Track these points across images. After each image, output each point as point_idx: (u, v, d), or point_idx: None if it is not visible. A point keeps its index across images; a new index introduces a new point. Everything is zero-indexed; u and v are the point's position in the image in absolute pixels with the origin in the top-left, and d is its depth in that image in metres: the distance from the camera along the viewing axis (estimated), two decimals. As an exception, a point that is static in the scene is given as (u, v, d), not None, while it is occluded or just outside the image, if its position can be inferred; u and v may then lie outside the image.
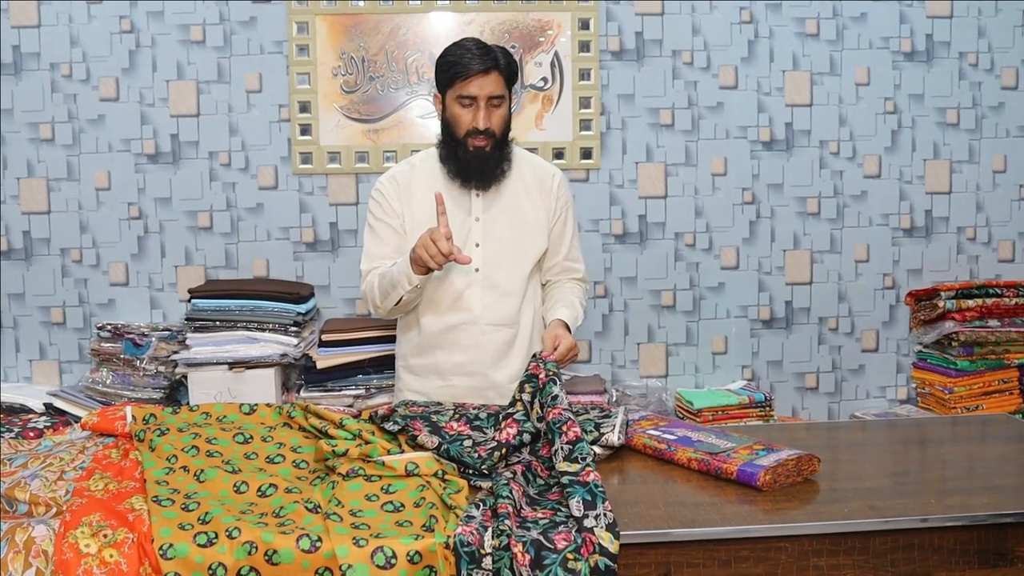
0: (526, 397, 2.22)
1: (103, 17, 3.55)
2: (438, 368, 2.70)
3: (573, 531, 1.74)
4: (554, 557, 1.68)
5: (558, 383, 2.20)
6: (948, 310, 3.61)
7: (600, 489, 1.84)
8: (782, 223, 3.80)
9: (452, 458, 2.06)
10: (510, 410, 2.21)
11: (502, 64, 2.59)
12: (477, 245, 2.66)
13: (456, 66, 2.55)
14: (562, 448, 2.00)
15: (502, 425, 2.16)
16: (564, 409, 2.10)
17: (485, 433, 2.20)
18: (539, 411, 2.17)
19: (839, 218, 3.82)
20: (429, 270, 2.46)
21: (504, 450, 2.09)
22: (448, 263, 2.44)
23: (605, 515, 1.77)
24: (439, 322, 2.69)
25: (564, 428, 2.04)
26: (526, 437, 2.14)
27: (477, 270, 2.66)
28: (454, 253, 2.40)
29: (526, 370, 2.31)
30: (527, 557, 1.68)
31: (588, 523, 1.75)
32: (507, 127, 2.67)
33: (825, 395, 3.89)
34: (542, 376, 2.23)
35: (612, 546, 1.70)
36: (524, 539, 1.70)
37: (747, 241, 3.80)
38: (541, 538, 1.71)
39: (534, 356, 2.36)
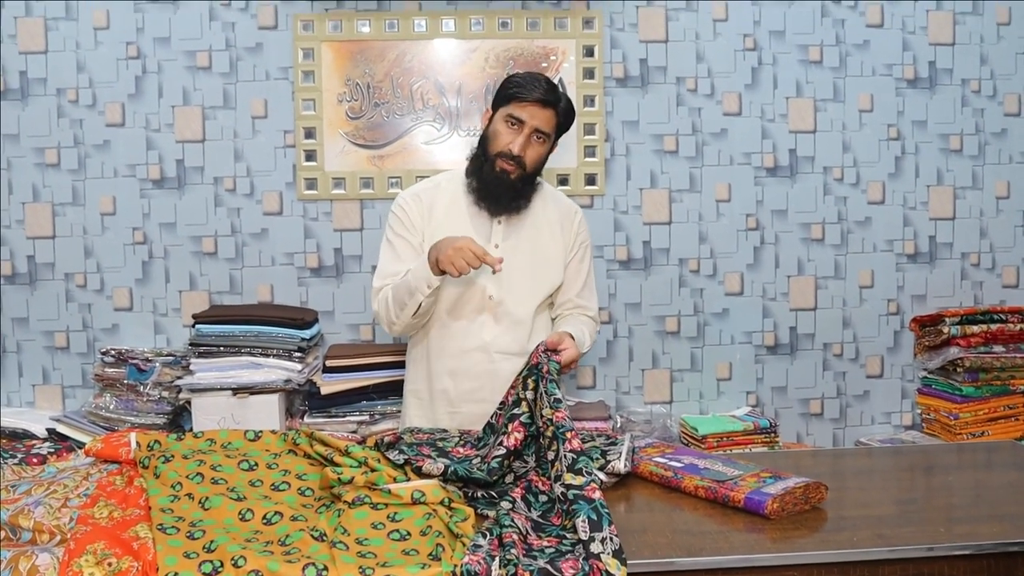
0: (530, 395, 2.21)
1: (110, 43, 3.57)
2: (447, 395, 2.69)
3: (580, 559, 1.73)
4: (561, 586, 1.67)
5: (560, 386, 2.20)
6: (953, 336, 3.60)
7: (605, 509, 1.84)
8: (786, 249, 3.80)
9: (460, 477, 2.05)
10: (515, 411, 2.21)
11: (562, 107, 2.62)
12: (493, 272, 2.67)
13: (521, 88, 2.58)
14: (565, 456, 1.99)
15: (509, 429, 2.16)
16: (567, 416, 2.10)
17: (489, 444, 2.20)
18: (541, 408, 2.16)
19: (843, 244, 3.82)
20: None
21: (512, 458, 2.10)
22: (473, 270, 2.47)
23: (611, 539, 1.76)
24: (450, 348, 2.69)
25: (568, 436, 2.04)
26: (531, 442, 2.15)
27: (491, 297, 2.66)
28: (487, 255, 2.43)
29: (528, 361, 2.30)
30: (534, 586, 1.67)
31: (594, 548, 1.74)
32: (539, 168, 2.68)
33: (830, 421, 3.88)
34: (544, 370, 2.22)
35: (619, 573, 1.69)
36: (531, 568, 1.69)
37: (751, 267, 3.80)
38: (548, 567, 1.70)
39: (538, 345, 2.35)
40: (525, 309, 2.69)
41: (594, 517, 1.81)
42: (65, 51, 3.56)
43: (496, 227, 2.70)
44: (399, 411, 3.27)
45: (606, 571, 1.69)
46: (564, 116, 2.64)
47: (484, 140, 2.67)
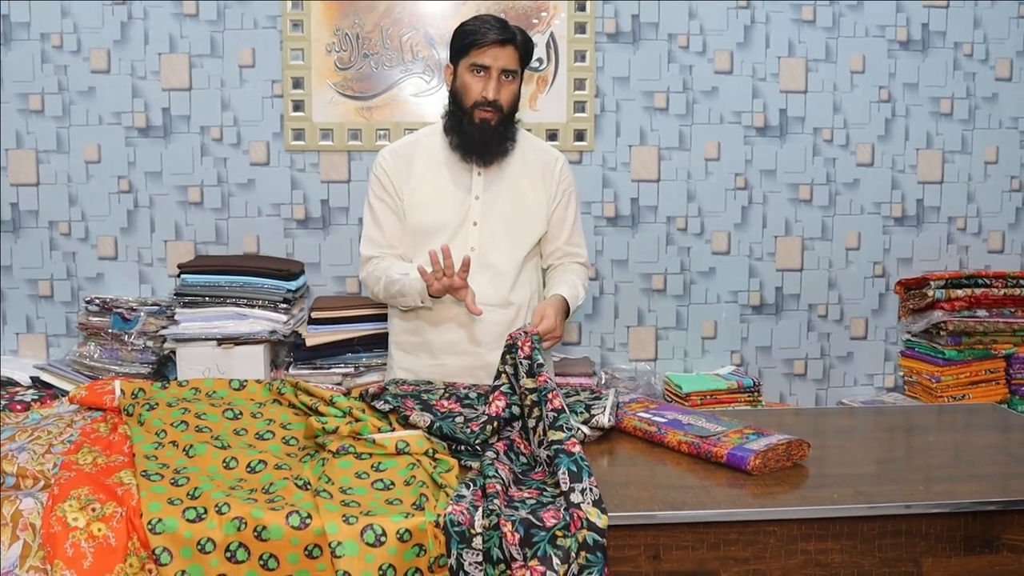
0: (509, 369, 2.22)
1: (95, -12, 3.52)
2: (430, 346, 2.70)
3: (561, 509, 1.75)
4: (543, 535, 1.69)
5: (541, 354, 2.20)
6: (937, 299, 3.62)
7: (585, 462, 1.85)
8: (774, 209, 3.80)
9: (445, 435, 2.06)
10: (496, 383, 2.21)
11: (519, 39, 2.60)
12: (475, 224, 2.66)
13: (474, 35, 2.55)
14: (547, 415, 2.00)
15: (491, 399, 2.16)
16: (548, 378, 2.10)
17: (476, 410, 2.20)
18: (525, 380, 2.16)
19: (831, 205, 3.82)
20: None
21: (496, 423, 2.10)
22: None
23: (591, 490, 1.77)
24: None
25: (549, 396, 2.04)
26: (515, 410, 2.14)
27: (473, 249, 2.65)
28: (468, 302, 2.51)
29: (507, 340, 2.30)
30: (516, 536, 1.68)
31: (575, 498, 1.75)
32: (515, 104, 2.67)
33: (813, 381, 3.91)
34: (525, 348, 2.22)
35: (600, 521, 1.71)
36: (513, 518, 1.70)
37: (739, 226, 3.80)
38: (530, 517, 1.71)
39: (518, 328, 2.37)
40: (507, 261, 2.69)
41: (574, 469, 1.82)
42: (49, -5, 3.51)
43: (476, 179, 2.69)
44: (384, 363, 3.28)
45: (587, 519, 1.71)
46: (524, 48, 2.62)
47: (455, 95, 2.65)
